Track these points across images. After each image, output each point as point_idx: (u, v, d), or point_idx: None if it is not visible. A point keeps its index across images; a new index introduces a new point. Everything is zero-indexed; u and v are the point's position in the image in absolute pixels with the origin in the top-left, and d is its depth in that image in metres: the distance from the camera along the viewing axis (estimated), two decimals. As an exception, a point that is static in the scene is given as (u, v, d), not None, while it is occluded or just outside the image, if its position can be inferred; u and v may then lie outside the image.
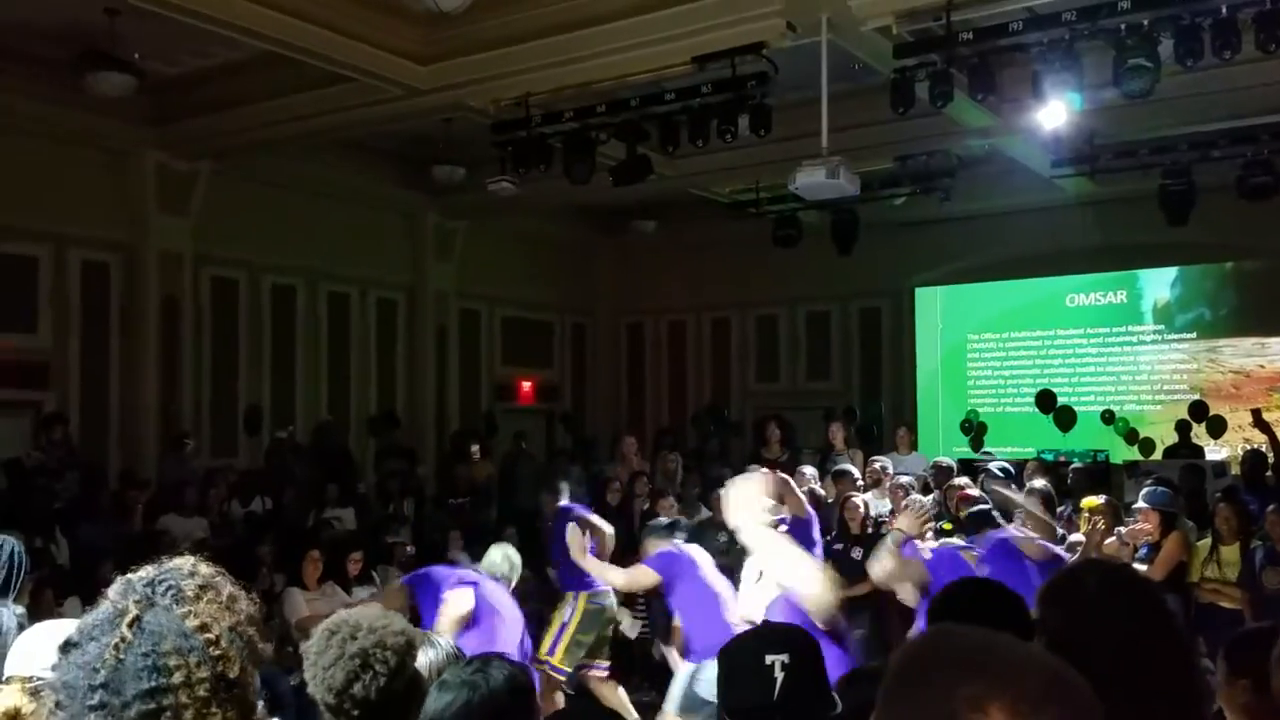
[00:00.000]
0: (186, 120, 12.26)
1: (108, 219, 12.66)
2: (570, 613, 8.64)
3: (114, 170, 12.69)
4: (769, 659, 2.74)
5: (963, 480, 10.04)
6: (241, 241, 13.87)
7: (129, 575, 1.76)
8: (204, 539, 10.14)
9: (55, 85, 11.06)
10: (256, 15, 9.33)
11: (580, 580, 8.57)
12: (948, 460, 11.80)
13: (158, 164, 12.75)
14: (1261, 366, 15.02)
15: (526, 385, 18.47)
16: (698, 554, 7.61)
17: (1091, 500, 8.66)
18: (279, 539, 10.02)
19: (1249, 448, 12.44)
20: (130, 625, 1.67)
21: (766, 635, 3.01)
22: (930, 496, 10.37)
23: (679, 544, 7.67)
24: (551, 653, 8.51)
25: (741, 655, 2.85)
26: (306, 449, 13.73)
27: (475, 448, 14.28)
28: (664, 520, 8.33)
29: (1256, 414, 12.32)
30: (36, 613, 5.73)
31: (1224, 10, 8.36)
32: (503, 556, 7.24)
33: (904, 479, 10.33)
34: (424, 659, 2.94)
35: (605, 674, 8.92)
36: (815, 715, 2.80)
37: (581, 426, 18.37)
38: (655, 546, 7.66)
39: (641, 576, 7.62)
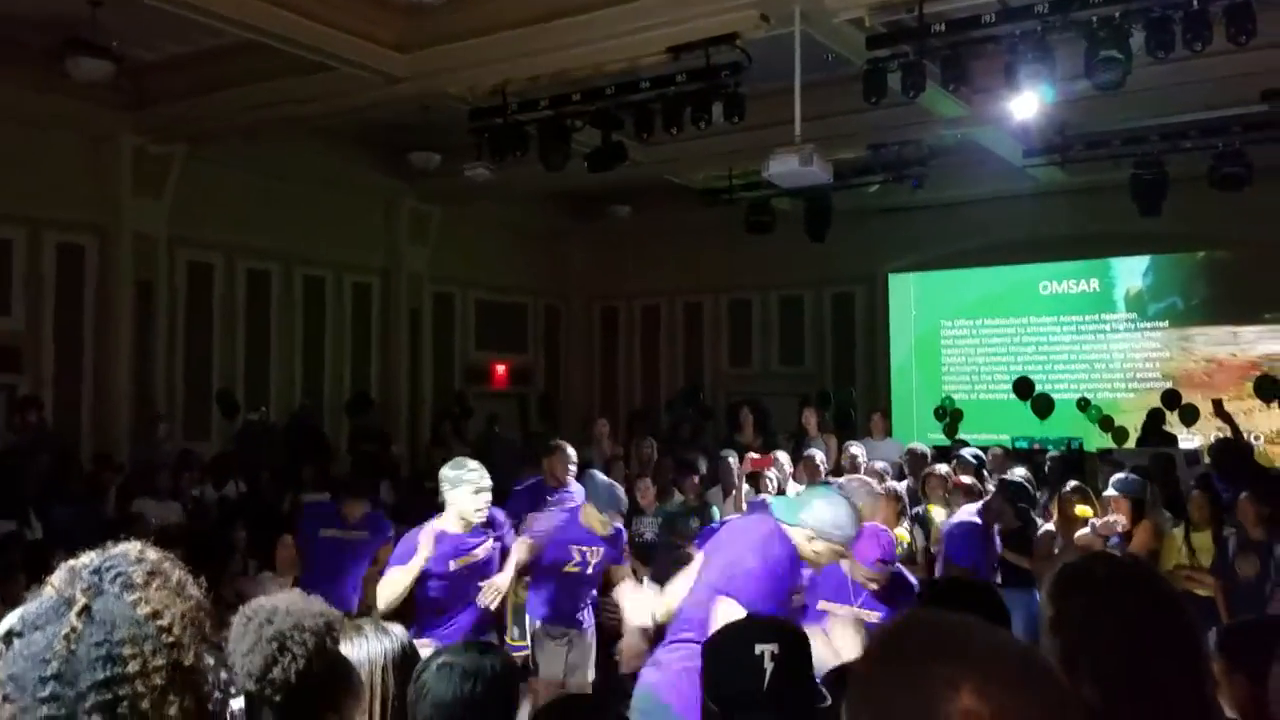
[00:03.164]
0: (164, 105, 12.18)
1: (83, 202, 12.61)
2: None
3: (89, 154, 12.63)
4: (759, 649, 2.75)
5: (942, 467, 10.14)
6: (216, 225, 13.87)
7: (71, 562, 1.71)
8: (178, 522, 10.14)
9: (33, 70, 11.03)
10: (236, 3, 9.29)
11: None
12: (922, 446, 11.84)
13: (133, 148, 12.68)
14: (1234, 355, 15.13)
15: (500, 369, 18.49)
16: None
17: (1084, 510, 8.64)
18: (253, 523, 9.98)
19: (1221, 436, 12.53)
20: (80, 614, 1.63)
21: (756, 625, 3.02)
22: (905, 482, 10.46)
23: None
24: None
25: (731, 644, 2.86)
26: (280, 431, 13.73)
27: (447, 425, 14.31)
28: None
29: (1218, 404, 12.47)
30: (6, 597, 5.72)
31: (1195, 3, 8.38)
32: None
33: (879, 465, 10.40)
34: (380, 646, 2.92)
35: None
36: (804, 706, 2.82)
37: (555, 410, 18.41)
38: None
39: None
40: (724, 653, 2.86)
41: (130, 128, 12.52)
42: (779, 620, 3.34)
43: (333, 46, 10.21)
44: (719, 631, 3.04)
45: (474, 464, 6.51)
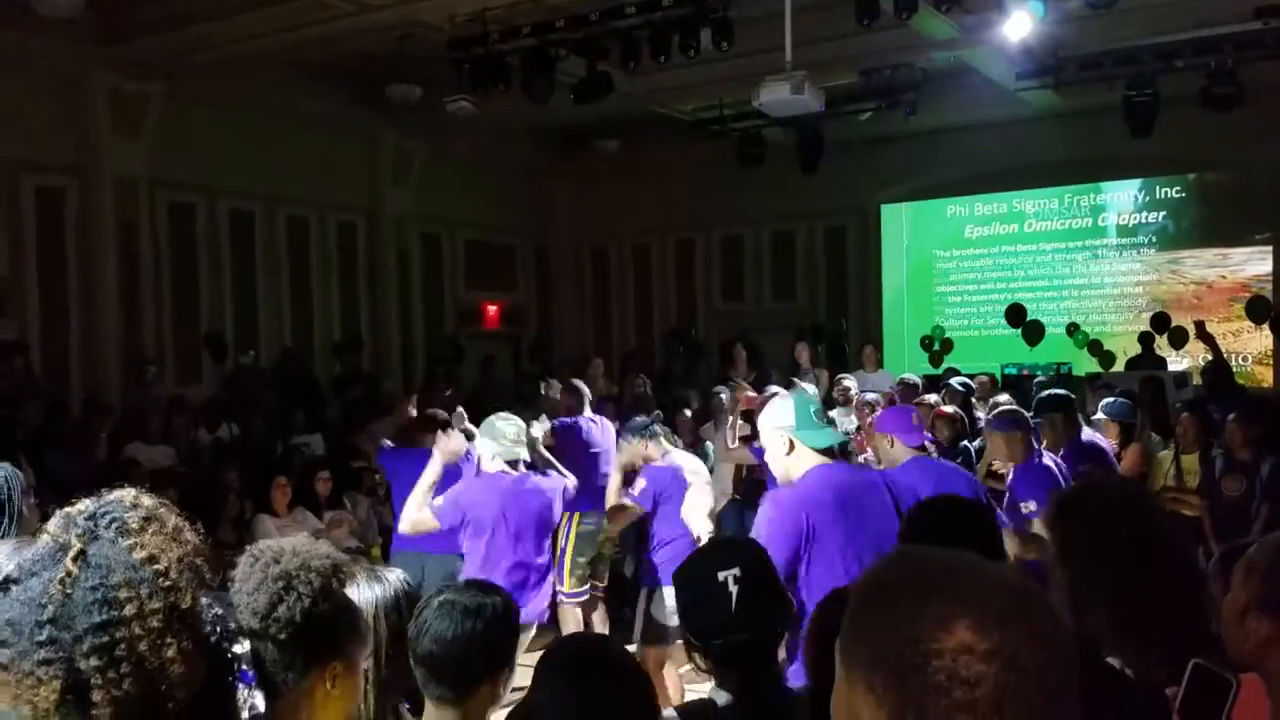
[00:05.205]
0: (137, 40, 11.90)
1: (61, 143, 12.41)
2: (565, 537, 8.28)
3: (65, 94, 12.39)
4: (721, 575, 2.80)
5: (932, 397, 10.08)
6: (197, 165, 13.65)
7: (68, 509, 1.73)
8: (171, 467, 10.09)
9: (1, 6, 10.81)
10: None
11: (571, 501, 8.36)
12: (913, 377, 11.81)
13: (109, 86, 12.46)
14: (1223, 277, 15.12)
15: (491, 309, 18.39)
16: (686, 465, 7.45)
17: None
18: (247, 466, 9.95)
19: (1210, 359, 12.52)
20: (75, 559, 1.65)
21: (715, 552, 3.06)
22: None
23: (670, 457, 7.45)
24: (561, 583, 8.26)
25: (694, 577, 2.91)
26: (270, 374, 13.62)
27: (441, 370, 14.24)
28: (641, 420, 7.97)
29: (1200, 325, 12.41)
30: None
31: (1191, -85, 8.31)
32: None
33: (870, 396, 10.34)
34: (373, 593, 2.93)
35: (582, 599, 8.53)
36: (773, 620, 2.89)
37: (549, 351, 18.32)
38: (633, 446, 7.47)
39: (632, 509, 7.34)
40: (689, 586, 2.92)
41: (104, 65, 12.26)
42: (736, 542, 3.43)
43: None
44: (684, 564, 3.04)
45: None
